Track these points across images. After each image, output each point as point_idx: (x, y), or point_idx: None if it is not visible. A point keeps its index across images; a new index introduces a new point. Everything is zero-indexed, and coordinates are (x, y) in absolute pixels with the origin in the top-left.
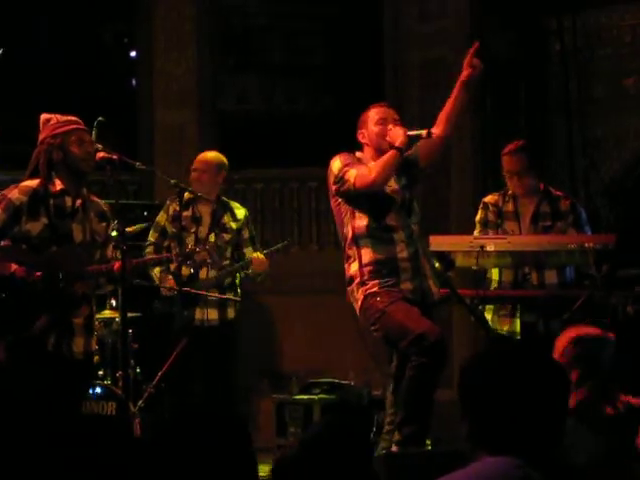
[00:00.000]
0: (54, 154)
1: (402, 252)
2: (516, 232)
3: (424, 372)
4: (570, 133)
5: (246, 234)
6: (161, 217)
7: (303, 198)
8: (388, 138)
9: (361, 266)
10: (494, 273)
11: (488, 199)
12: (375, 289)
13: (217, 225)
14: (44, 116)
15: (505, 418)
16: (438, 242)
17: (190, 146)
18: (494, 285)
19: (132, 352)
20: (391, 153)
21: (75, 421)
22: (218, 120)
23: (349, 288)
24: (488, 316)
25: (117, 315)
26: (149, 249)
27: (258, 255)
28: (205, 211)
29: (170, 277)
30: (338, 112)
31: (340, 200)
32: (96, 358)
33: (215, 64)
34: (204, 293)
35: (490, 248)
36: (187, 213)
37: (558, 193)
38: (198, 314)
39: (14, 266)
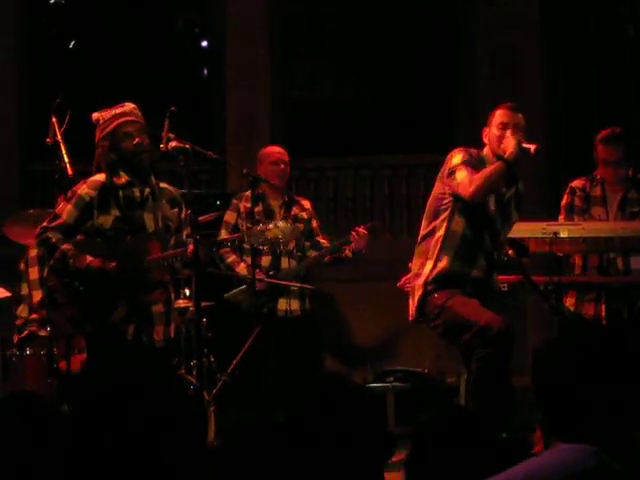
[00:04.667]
0: (109, 156)
1: (476, 273)
2: (603, 217)
3: (490, 363)
4: None
5: (315, 223)
6: (230, 216)
7: (376, 186)
8: (502, 145)
9: (433, 269)
10: (577, 257)
11: (575, 183)
12: (434, 288)
13: (290, 217)
14: (93, 117)
15: (579, 404)
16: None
17: (261, 134)
18: (577, 270)
19: (206, 341)
20: (497, 166)
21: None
22: (289, 108)
23: (412, 281)
24: (571, 300)
25: (191, 304)
26: (224, 248)
27: (358, 230)
28: (276, 204)
29: (244, 266)
30: (408, 99)
31: (448, 192)
32: None
33: (285, 52)
34: (288, 283)
35: (564, 234)
36: (258, 208)
37: None
38: (281, 305)
39: (89, 258)
